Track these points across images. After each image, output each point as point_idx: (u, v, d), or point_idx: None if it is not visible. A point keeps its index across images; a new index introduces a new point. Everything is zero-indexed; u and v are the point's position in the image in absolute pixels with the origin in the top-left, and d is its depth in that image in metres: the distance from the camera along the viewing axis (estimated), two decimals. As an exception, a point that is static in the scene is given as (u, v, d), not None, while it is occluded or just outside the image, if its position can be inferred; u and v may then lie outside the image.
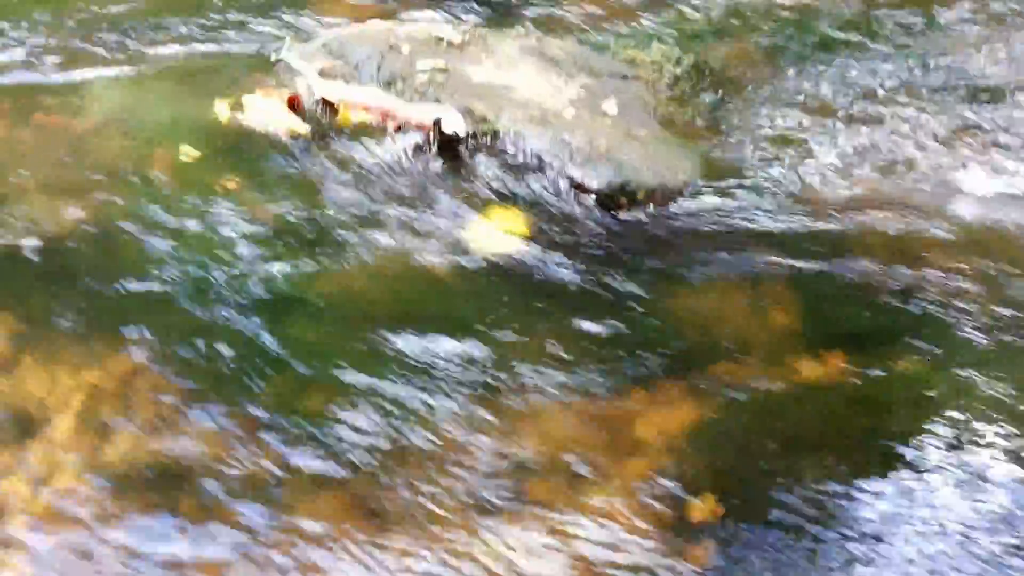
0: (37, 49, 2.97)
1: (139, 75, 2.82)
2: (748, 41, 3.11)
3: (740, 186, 2.35)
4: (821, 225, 2.27)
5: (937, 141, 2.56)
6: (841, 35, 3.14)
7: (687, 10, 3.31)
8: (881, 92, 2.78)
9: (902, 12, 3.26)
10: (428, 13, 3.03)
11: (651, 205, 2.26)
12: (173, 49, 3.00)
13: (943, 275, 2.13)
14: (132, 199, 2.30)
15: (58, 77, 2.83)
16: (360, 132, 2.42)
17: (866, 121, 2.62)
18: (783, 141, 2.54)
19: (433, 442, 1.77)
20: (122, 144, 2.50)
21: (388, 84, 2.53)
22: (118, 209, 2.28)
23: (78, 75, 2.83)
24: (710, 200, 2.30)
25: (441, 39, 2.72)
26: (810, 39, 3.13)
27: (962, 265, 2.16)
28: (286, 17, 3.16)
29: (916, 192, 2.40)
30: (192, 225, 2.21)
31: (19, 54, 2.94)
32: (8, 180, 2.37)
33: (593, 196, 2.24)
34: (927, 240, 2.24)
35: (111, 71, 2.85)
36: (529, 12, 3.19)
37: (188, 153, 2.43)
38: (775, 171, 2.41)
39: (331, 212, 2.23)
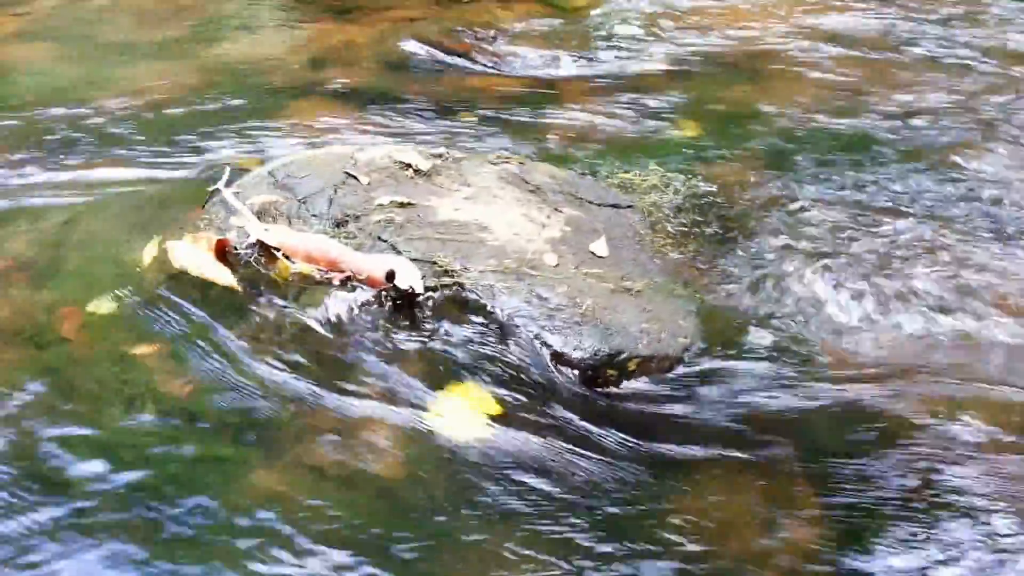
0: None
1: (72, 204, 2.39)
2: (748, 160, 2.67)
3: (748, 349, 1.88)
4: (847, 395, 1.79)
5: (967, 282, 2.10)
6: (844, 155, 2.71)
7: (681, 123, 2.90)
8: (899, 222, 2.33)
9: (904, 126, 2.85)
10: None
11: (645, 377, 1.78)
12: (116, 173, 2.57)
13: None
14: (25, 368, 1.83)
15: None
16: (300, 285, 1.94)
17: (885, 259, 2.16)
18: (794, 286, 2.07)
19: None
20: (31, 295, 2.04)
21: (339, 224, 2.08)
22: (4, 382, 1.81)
23: (2, 204, 2.39)
24: (713, 367, 1.82)
25: (408, 166, 2.27)
26: (814, 156, 2.70)
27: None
28: (253, 134, 2.75)
29: (956, 352, 1.93)
30: (86, 409, 1.73)
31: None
32: None
33: (576, 370, 1.76)
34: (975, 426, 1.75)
35: (39, 199, 2.42)
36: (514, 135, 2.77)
37: (99, 309, 1.96)
38: (788, 327, 1.94)
39: (257, 393, 1.76)
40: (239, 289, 1.95)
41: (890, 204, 2.43)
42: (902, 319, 1.97)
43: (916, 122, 2.89)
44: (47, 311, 1.98)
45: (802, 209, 2.39)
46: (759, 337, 1.88)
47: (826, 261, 2.12)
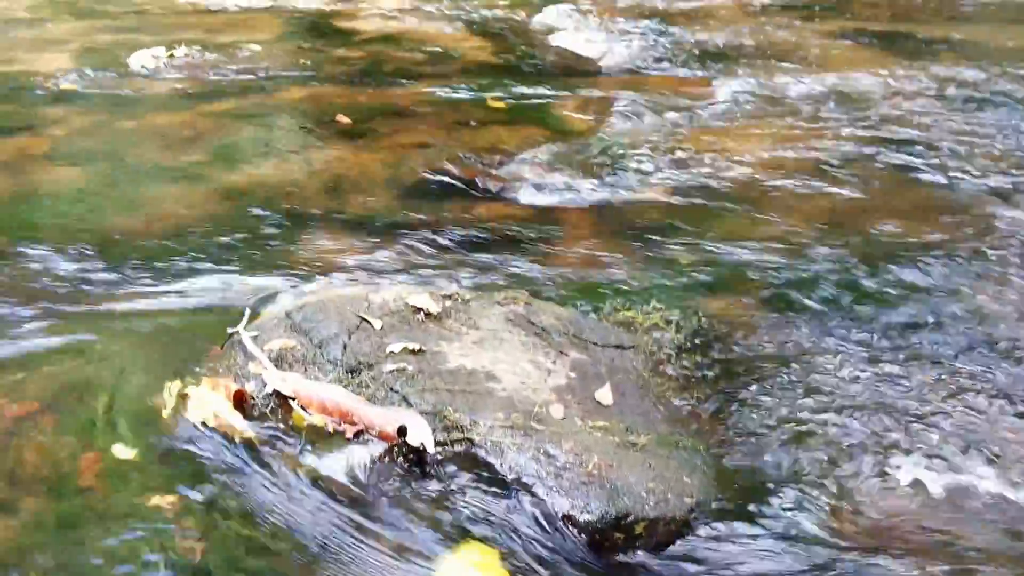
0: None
1: (91, 343, 2.35)
2: (747, 295, 2.65)
3: (756, 510, 1.82)
4: (862, 564, 1.72)
5: (986, 438, 2.03)
6: (845, 291, 2.68)
7: (680, 255, 2.88)
8: (909, 367, 2.29)
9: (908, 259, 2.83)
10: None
11: (652, 540, 1.73)
12: (138, 305, 2.54)
13: None
14: (43, 524, 1.78)
15: (7, 344, 2.36)
16: (314, 435, 1.90)
17: (896, 410, 2.11)
18: (801, 439, 2.02)
19: None
20: (51, 440, 2.00)
21: (352, 372, 2.04)
22: (27, 533, 1.76)
23: (26, 345, 2.36)
24: (720, 530, 1.77)
25: (419, 309, 2.24)
26: (814, 292, 2.67)
27: None
28: (271, 265, 2.72)
29: (981, 516, 1.86)
30: (101, 563, 1.67)
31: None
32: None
33: (583, 534, 1.71)
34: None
35: (63, 336, 2.38)
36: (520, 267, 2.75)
37: (119, 456, 1.92)
38: (801, 485, 1.88)
39: (268, 548, 1.70)
40: (255, 439, 1.90)
41: (899, 346, 2.36)
42: (913, 478, 1.90)
43: (919, 255, 2.85)
44: (70, 458, 1.93)
45: (805, 352, 2.35)
46: (767, 496, 1.82)
47: (833, 412, 2.08)
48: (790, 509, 1.80)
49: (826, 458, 1.94)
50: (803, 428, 2.03)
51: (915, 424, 2.04)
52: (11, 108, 4.12)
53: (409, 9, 6.33)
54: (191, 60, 4.86)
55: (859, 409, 2.10)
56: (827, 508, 1.80)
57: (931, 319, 2.49)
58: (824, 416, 2.06)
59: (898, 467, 1.91)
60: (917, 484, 1.87)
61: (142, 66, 4.74)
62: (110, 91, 4.41)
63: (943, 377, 2.22)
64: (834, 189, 3.35)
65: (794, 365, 2.29)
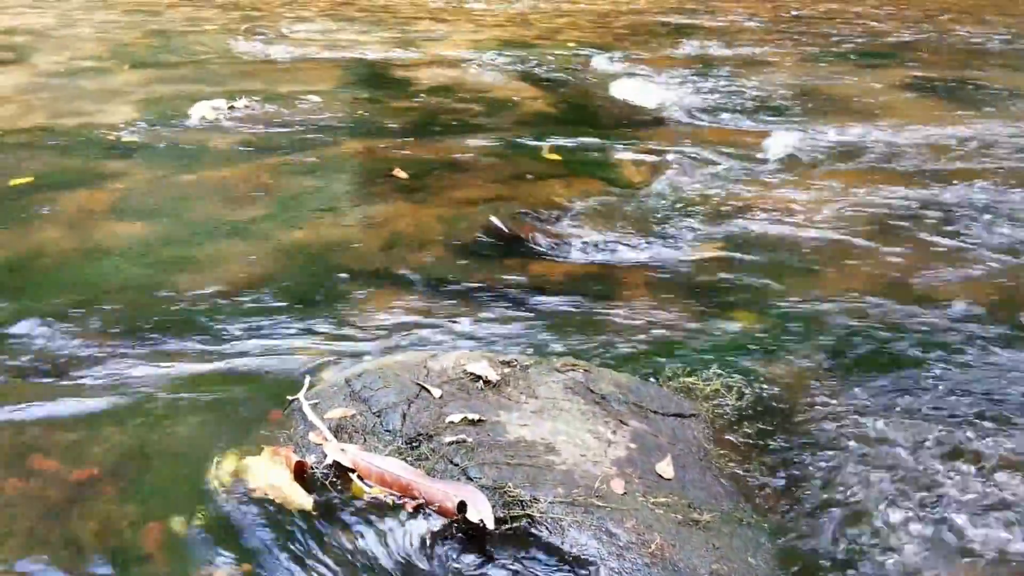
0: (62, 358, 2.57)
1: (151, 405, 2.38)
2: (807, 358, 2.61)
3: (824, 593, 1.78)
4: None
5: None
6: (919, 352, 2.63)
7: (738, 314, 2.85)
8: (984, 440, 2.23)
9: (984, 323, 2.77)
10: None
11: (716, 627, 1.70)
12: (196, 367, 2.57)
13: None
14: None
15: (70, 405, 2.40)
16: (374, 508, 1.90)
17: (972, 488, 2.06)
18: (868, 518, 1.98)
19: None
20: (118, 508, 2.02)
21: (411, 443, 2.04)
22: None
23: (86, 406, 2.39)
24: (787, 616, 1.73)
25: (477, 377, 2.24)
26: (876, 357, 2.63)
27: None
28: (330, 326, 2.74)
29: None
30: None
31: (42, 367, 2.55)
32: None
33: (645, 620, 1.68)
34: None
35: (121, 399, 2.42)
36: (575, 330, 2.74)
37: (179, 527, 1.94)
38: (869, 568, 1.84)
39: (329, 629, 1.70)
40: (314, 512, 1.91)
41: (972, 414, 2.32)
42: (992, 556, 1.85)
43: (990, 321, 2.79)
44: (131, 527, 1.95)
45: (870, 418, 2.31)
46: (831, 577, 1.79)
47: (904, 487, 2.03)
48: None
49: (896, 535, 1.89)
50: (867, 507, 1.98)
51: (991, 501, 1.99)
52: (74, 162, 4.22)
53: (465, 60, 6.40)
54: (251, 111, 4.95)
55: (931, 481, 2.05)
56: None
57: (1006, 388, 2.43)
58: (889, 492, 2.01)
59: (973, 545, 1.86)
60: (996, 563, 1.82)
61: (202, 117, 4.84)
62: (171, 143, 4.50)
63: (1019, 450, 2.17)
64: (898, 247, 3.31)
65: (860, 433, 2.25)
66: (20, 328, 2.69)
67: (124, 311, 2.82)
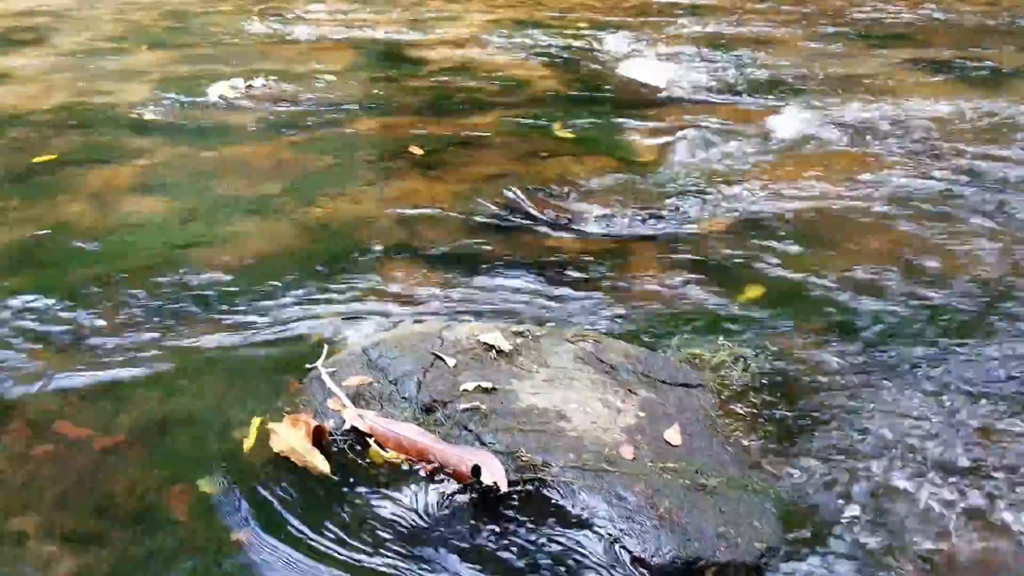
0: (83, 336, 2.62)
1: (175, 375, 2.43)
2: (819, 331, 2.64)
3: (827, 557, 1.81)
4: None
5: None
6: (927, 326, 2.65)
7: (747, 287, 2.88)
8: (988, 407, 2.25)
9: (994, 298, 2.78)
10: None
11: (722, 585, 1.74)
12: (218, 339, 2.61)
13: None
14: (136, 552, 1.85)
15: (95, 375, 2.45)
16: (390, 472, 1.95)
17: (979, 457, 2.09)
18: (874, 485, 2.01)
19: None
20: (139, 473, 2.07)
21: (427, 410, 2.08)
22: (118, 565, 1.83)
23: (113, 375, 2.44)
24: (791, 576, 1.77)
25: (490, 347, 2.28)
26: (885, 329, 2.65)
27: None
28: (348, 298, 2.77)
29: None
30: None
31: (67, 338, 2.60)
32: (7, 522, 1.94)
33: (653, 577, 1.72)
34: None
35: (146, 369, 2.46)
36: (587, 302, 2.78)
37: (206, 490, 1.99)
38: (870, 532, 1.87)
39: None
40: (334, 476, 1.95)
41: (980, 387, 2.34)
42: (998, 522, 1.88)
43: (999, 296, 2.80)
44: (158, 490, 2.00)
45: (876, 390, 2.34)
46: (839, 543, 1.82)
47: (910, 455, 2.06)
48: (859, 557, 1.79)
49: (900, 502, 1.92)
50: (873, 474, 2.01)
51: (1000, 471, 2.02)
52: (96, 139, 4.26)
53: (478, 39, 6.40)
54: (269, 90, 4.98)
55: (936, 451, 2.08)
56: (902, 556, 1.79)
57: (1015, 363, 2.45)
58: (895, 459, 2.05)
59: (980, 512, 1.89)
60: (1002, 529, 1.85)
61: (221, 96, 4.87)
62: (191, 121, 4.54)
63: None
64: (906, 224, 3.32)
65: (865, 404, 2.28)
66: (46, 301, 2.74)
67: (147, 284, 2.86)
